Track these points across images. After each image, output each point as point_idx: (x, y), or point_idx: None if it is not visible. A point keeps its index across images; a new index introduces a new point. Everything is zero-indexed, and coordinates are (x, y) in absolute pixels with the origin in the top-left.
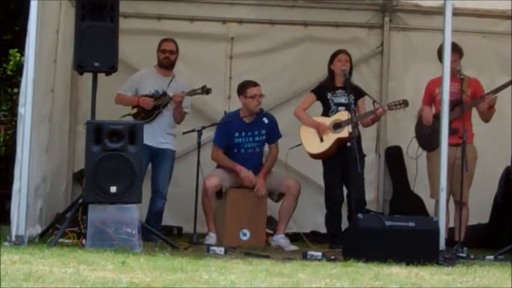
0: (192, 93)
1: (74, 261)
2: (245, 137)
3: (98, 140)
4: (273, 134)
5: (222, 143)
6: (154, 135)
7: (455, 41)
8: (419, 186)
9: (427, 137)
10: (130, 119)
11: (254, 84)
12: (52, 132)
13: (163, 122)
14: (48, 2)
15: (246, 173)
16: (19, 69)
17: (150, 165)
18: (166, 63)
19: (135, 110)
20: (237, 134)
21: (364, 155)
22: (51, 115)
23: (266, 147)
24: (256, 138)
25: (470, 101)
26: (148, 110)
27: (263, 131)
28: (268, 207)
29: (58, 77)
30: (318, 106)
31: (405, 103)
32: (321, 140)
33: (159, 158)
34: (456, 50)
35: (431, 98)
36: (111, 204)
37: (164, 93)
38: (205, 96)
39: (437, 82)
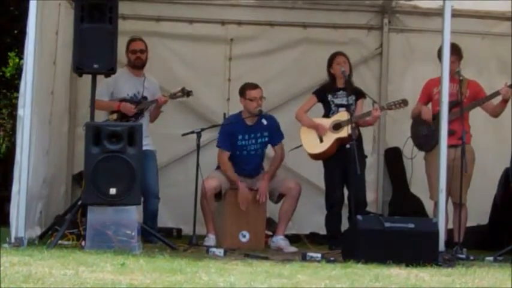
0: (174, 96)
1: (73, 263)
2: (248, 139)
3: (97, 142)
4: (275, 135)
5: (227, 146)
6: None
7: (455, 42)
8: (416, 187)
9: (423, 137)
10: None
11: (254, 86)
12: (52, 134)
13: (143, 124)
14: (47, 3)
15: (244, 194)
16: (18, 72)
17: None
18: (139, 63)
19: (114, 116)
20: (240, 137)
21: (366, 156)
22: (51, 117)
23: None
24: (259, 140)
25: (468, 102)
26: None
27: (265, 133)
28: (268, 209)
29: (58, 78)
30: (319, 107)
31: (404, 102)
32: (321, 140)
33: (144, 160)
34: (455, 51)
35: (428, 97)
36: (110, 206)
37: (144, 98)
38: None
39: (435, 82)
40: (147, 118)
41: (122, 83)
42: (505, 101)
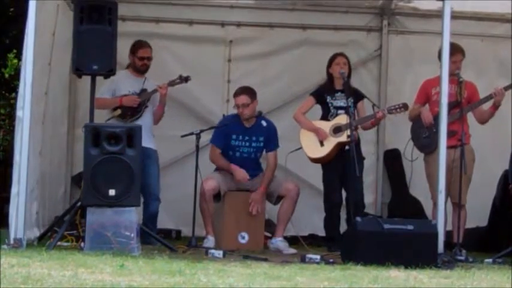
0: (172, 83)
1: (72, 264)
2: (242, 140)
3: (96, 143)
4: (271, 141)
5: (220, 143)
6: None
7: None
8: (416, 189)
9: (425, 139)
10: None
11: (239, 92)
12: (45, 135)
13: (147, 120)
14: (46, 3)
15: (240, 175)
16: (16, 73)
17: None
18: (144, 69)
19: (118, 112)
20: (234, 137)
21: (363, 158)
22: (45, 118)
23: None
24: (254, 144)
25: (466, 103)
26: (134, 107)
27: (261, 138)
28: (267, 210)
29: (52, 79)
30: (317, 109)
31: (405, 107)
32: (321, 144)
33: (146, 160)
34: (459, 49)
35: (426, 97)
36: (109, 207)
37: (144, 90)
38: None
39: (433, 82)
40: (151, 113)
41: (123, 82)
42: (495, 107)
